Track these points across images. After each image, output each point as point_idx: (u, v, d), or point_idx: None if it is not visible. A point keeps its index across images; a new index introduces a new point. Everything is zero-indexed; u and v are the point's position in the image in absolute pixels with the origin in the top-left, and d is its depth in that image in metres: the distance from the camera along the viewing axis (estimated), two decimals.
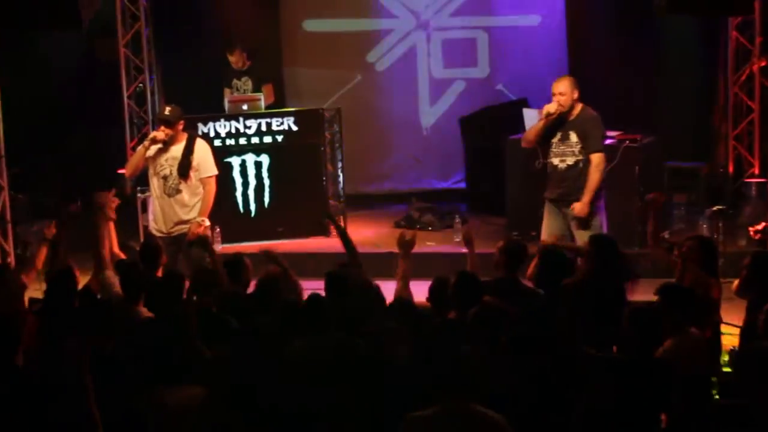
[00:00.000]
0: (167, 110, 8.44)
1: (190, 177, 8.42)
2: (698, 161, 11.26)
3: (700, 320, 6.14)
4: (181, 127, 8.43)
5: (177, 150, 8.41)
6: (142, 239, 10.01)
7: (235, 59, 11.04)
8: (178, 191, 8.43)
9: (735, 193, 10.98)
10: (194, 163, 8.41)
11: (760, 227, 8.05)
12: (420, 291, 6.98)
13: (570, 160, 8.28)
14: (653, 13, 9.94)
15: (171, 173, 8.40)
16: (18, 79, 11.89)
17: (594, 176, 8.20)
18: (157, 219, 8.53)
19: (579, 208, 8.19)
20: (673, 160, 10.99)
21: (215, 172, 8.56)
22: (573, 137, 8.25)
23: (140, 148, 8.53)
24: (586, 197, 8.19)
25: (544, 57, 11.78)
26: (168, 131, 8.33)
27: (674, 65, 11.41)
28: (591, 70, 10.45)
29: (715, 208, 9.37)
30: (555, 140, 8.33)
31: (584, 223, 8.22)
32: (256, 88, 11.09)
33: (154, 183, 8.50)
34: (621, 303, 6.49)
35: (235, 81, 11.14)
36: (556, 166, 8.34)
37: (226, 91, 11.06)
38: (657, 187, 10.21)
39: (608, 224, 8.40)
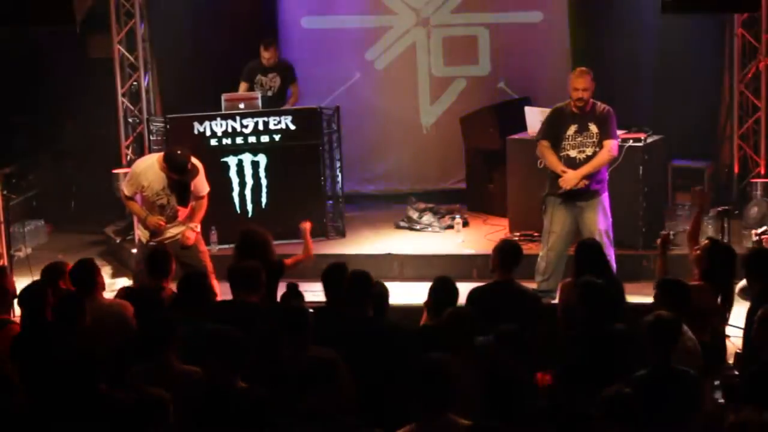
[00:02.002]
0: (189, 166, 8.12)
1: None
2: (703, 160, 11.14)
3: (695, 325, 6.08)
4: None
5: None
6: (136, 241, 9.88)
7: (269, 55, 10.94)
8: (176, 217, 8.31)
9: (741, 193, 10.86)
10: (191, 188, 8.27)
11: (760, 230, 8.08)
12: (419, 293, 6.89)
13: (589, 151, 8.37)
14: (658, 10, 9.82)
15: (168, 202, 8.24)
16: (10, 76, 11.80)
17: (601, 157, 8.32)
18: (149, 229, 8.37)
19: (570, 175, 8.20)
20: (677, 160, 10.89)
21: (208, 189, 8.46)
22: (593, 128, 8.36)
23: (142, 213, 8.27)
24: (583, 170, 8.29)
25: (547, 55, 11.66)
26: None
27: (679, 63, 11.27)
28: (594, 67, 10.26)
29: (720, 208, 9.24)
30: (570, 133, 8.36)
31: (591, 206, 8.33)
32: (284, 86, 11.01)
33: (151, 210, 8.30)
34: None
35: (259, 77, 11.01)
36: (574, 158, 8.35)
37: (243, 85, 10.91)
38: (661, 187, 10.10)
39: (612, 218, 8.51)
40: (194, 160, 8.28)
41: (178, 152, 8.16)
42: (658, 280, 6.25)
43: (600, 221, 8.35)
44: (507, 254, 6.96)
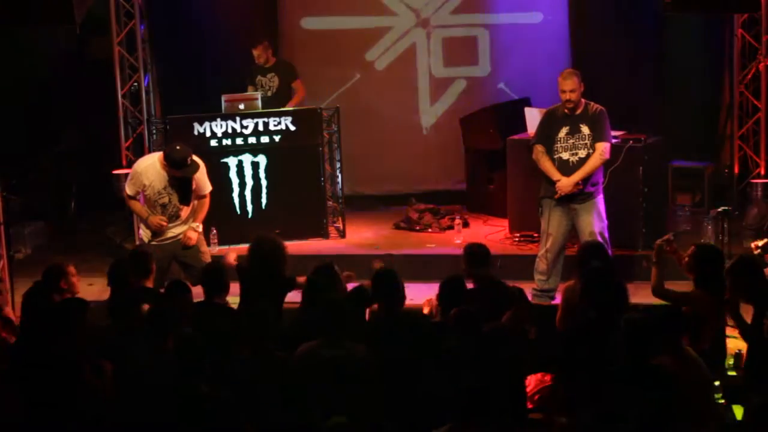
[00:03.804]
0: (189, 160, 8.11)
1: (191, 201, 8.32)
2: (703, 161, 11.13)
3: (692, 336, 6.11)
4: None
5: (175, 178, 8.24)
6: (137, 241, 9.88)
7: (258, 53, 10.93)
8: (178, 216, 8.31)
9: (740, 194, 10.84)
10: (193, 186, 8.27)
11: (761, 243, 8.04)
12: (420, 293, 6.91)
13: (582, 153, 8.38)
14: (658, 10, 9.83)
15: (170, 201, 8.24)
16: (10, 77, 11.79)
17: (593, 161, 8.33)
18: (150, 229, 8.36)
19: (565, 182, 8.22)
20: (677, 160, 10.88)
21: (211, 188, 8.48)
22: (585, 130, 8.36)
23: (144, 213, 8.28)
24: (577, 176, 8.30)
25: (547, 55, 11.65)
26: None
27: (679, 64, 11.26)
28: (594, 68, 10.29)
29: (720, 209, 9.24)
30: (561, 135, 8.38)
31: (586, 209, 8.36)
32: (284, 85, 10.99)
33: (153, 209, 8.30)
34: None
35: (259, 78, 11.02)
36: (567, 160, 8.37)
37: (250, 88, 10.93)
38: (661, 187, 10.07)
39: (608, 220, 8.51)
40: (196, 157, 8.30)
41: (178, 147, 8.19)
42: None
43: (595, 223, 8.36)
44: (474, 256, 7.07)
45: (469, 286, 6.83)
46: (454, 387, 5.06)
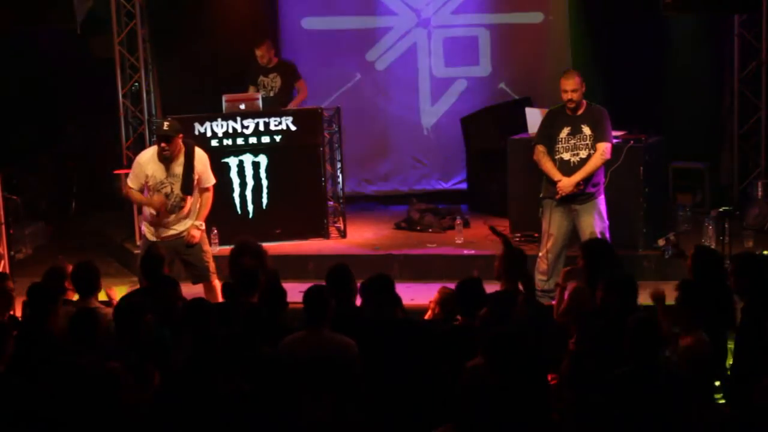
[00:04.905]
0: (166, 125, 8.19)
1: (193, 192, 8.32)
2: (704, 161, 11.12)
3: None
4: (180, 140, 8.24)
5: (177, 166, 8.24)
6: (138, 241, 9.89)
7: (261, 53, 10.95)
8: (181, 207, 8.31)
9: (741, 194, 10.84)
10: (195, 177, 8.28)
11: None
12: (420, 293, 6.91)
13: (583, 153, 8.40)
14: (658, 11, 9.83)
15: (172, 191, 8.24)
16: (10, 77, 11.80)
17: (594, 161, 8.36)
18: (154, 225, 8.35)
19: (566, 182, 8.23)
20: (678, 160, 10.88)
21: (214, 181, 8.50)
22: (586, 130, 8.38)
23: (144, 199, 8.31)
24: (578, 176, 8.33)
25: (547, 55, 11.69)
26: (169, 150, 8.15)
27: (679, 63, 11.27)
28: (594, 68, 10.31)
29: (720, 209, 9.23)
30: (563, 135, 8.39)
31: (587, 209, 8.36)
32: (286, 85, 11.01)
33: None
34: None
35: (261, 78, 11.03)
36: (568, 160, 8.38)
37: (251, 89, 10.94)
38: (662, 187, 10.07)
39: (609, 219, 8.50)
40: (199, 150, 8.35)
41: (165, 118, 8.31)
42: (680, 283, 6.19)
43: (596, 224, 8.37)
44: (514, 262, 6.98)
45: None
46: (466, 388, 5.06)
